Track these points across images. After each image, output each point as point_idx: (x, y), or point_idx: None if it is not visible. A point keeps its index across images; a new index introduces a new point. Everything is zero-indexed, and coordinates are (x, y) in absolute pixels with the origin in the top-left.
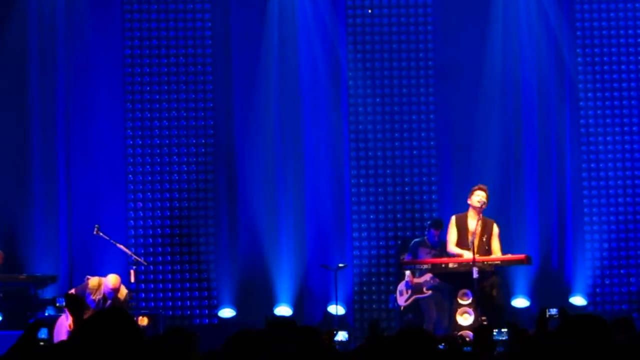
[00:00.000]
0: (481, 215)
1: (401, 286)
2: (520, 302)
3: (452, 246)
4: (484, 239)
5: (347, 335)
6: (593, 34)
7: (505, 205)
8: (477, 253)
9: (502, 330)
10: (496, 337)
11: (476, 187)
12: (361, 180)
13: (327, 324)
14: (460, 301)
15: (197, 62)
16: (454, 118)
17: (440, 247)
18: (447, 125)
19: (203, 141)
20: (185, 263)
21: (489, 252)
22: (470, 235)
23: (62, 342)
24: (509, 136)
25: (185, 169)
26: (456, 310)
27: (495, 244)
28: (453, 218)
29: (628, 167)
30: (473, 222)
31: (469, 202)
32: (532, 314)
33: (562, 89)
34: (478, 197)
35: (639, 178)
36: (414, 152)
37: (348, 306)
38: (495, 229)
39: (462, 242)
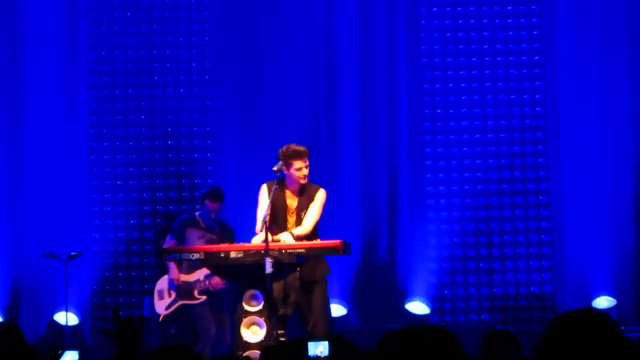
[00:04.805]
0: (305, 182)
1: (161, 285)
2: (334, 309)
3: (258, 227)
4: (303, 215)
5: (77, 356)
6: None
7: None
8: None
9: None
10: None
11: (292, 153)
12: (103, 132)
13: (53, 338)
14: (246, 307)
15: None
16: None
17: (220, 228)
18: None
19: None
20: None
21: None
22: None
23: None
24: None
25: None
26: (241, 320)
27: (309, 216)
28: (264, 187)
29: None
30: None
31: (285, 172)
32: (349, 326)
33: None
34: (300, 171)
35: (484, 170)
36: (183, 103)
37: (83, 313)
38: (320, 195)
39: (276, 223)
